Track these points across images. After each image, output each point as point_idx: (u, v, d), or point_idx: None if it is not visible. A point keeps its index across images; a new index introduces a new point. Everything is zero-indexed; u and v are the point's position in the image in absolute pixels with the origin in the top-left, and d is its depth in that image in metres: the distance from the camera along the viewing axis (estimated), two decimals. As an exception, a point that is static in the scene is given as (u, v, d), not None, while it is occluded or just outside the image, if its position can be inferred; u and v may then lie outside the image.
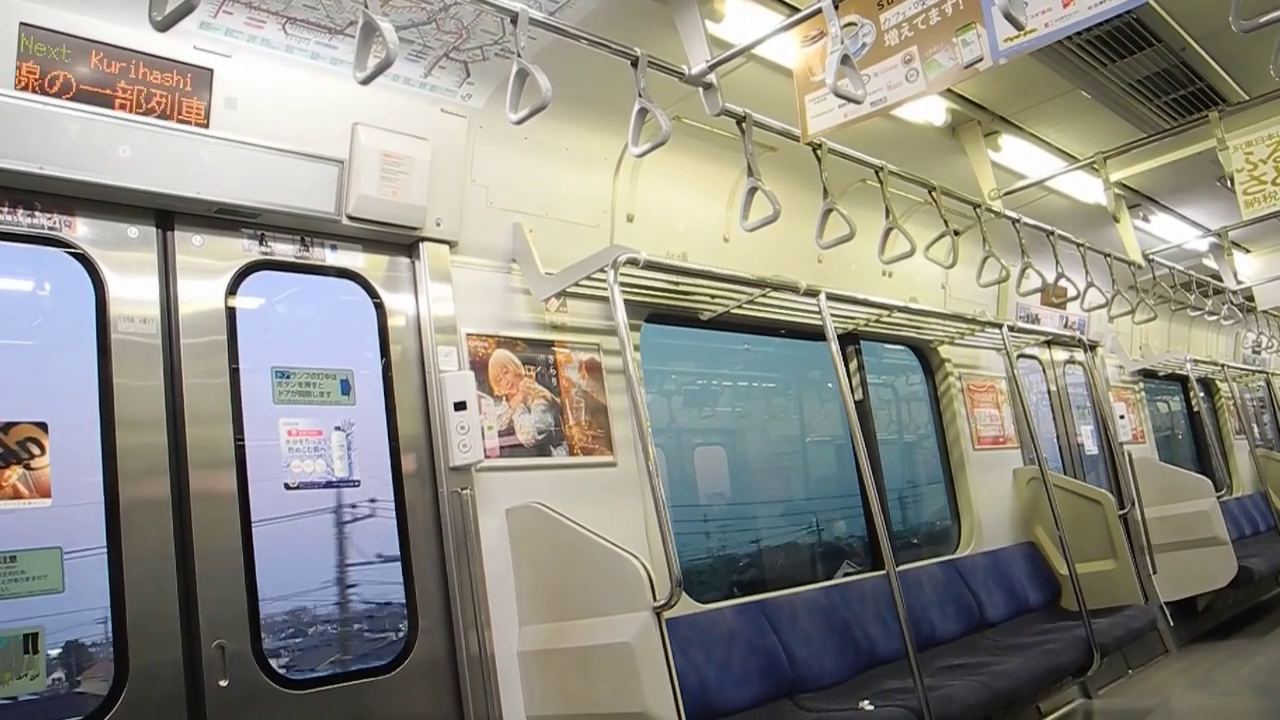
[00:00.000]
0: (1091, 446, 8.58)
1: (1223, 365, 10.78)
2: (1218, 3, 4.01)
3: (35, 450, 2.91)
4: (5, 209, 3.02)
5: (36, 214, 3.09)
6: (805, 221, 4.64)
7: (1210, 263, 9.13)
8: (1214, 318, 9.06)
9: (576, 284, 4.15)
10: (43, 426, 2.94)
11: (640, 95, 3.56)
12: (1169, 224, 7.98)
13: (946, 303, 6.88)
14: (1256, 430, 12.14)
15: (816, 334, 5.13)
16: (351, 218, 3.70)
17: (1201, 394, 10.41)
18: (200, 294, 3.41)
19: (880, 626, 5.21)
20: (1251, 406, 12.41)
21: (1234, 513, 9.49)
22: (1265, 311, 10.38)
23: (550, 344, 4.36)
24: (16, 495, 2.85)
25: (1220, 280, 9.03)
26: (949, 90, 5.02)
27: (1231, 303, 9.20)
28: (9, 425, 2.88)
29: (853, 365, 6.30)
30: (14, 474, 2.86)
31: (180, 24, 2.56)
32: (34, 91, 2.94)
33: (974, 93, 5.29)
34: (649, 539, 4.31)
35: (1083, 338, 8.23)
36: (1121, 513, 6.79)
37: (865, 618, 5.20)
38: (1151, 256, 7.83)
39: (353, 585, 3.87)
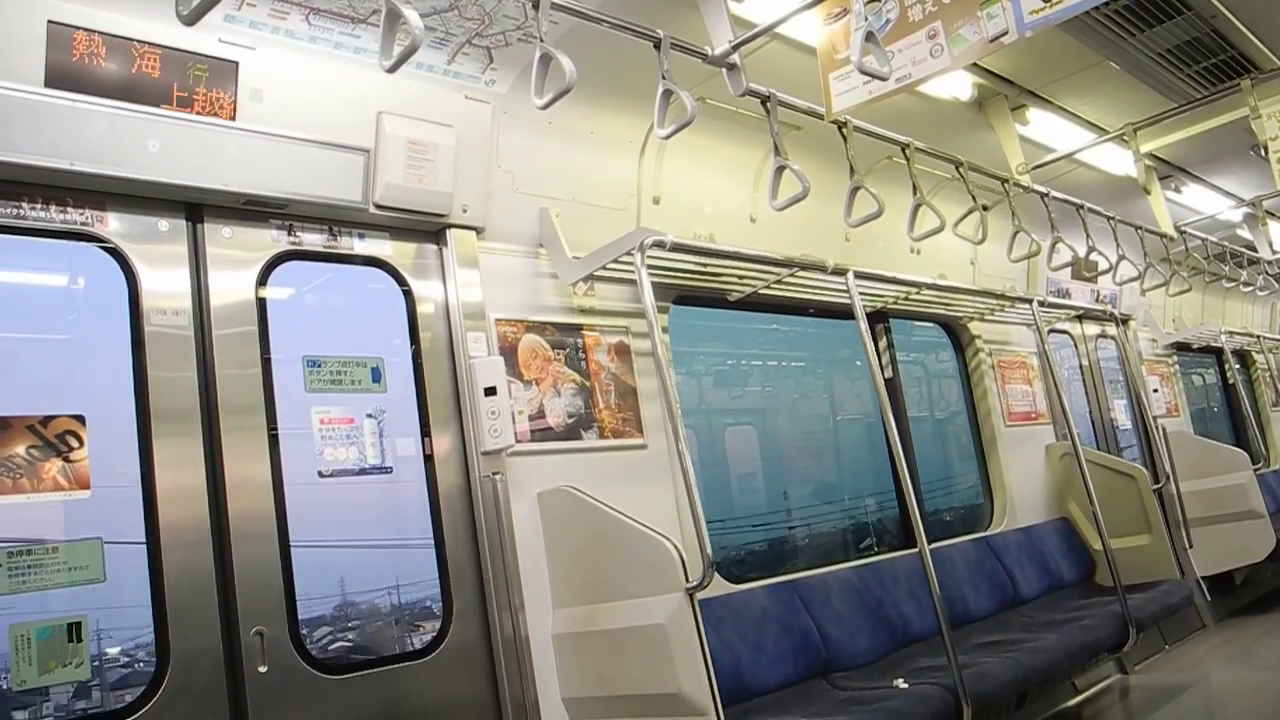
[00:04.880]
0: (1125, 421, 8.50)
1: (1259, 336, 10.64)
2: (1249, -32, 3.94)
3: (74, 443, 2.95)
4: (39, 205, 3.06)
5: (69, 210, 3.12)
6: (831, 201, 4.62)
7: (1244, 233, 8.99)
8: (1249, 289, 8.95)
9: (604, 267, 4.15)
10: (80, 419, 2.98)
11: (664, 77, 3.55)
12: (1201, 195, 7.86)
13: (976, 279, 6.83)
14: (1293, 401, 11.98)
15: (845, 313, 5.11)
16: (378, 206, 3.71)
17: (1237, 366, 10.26)
18: (231, 285, 3.44)
19: (913, 605, 5.20)
20: (1288, 377, 12.24)
21: (1271, 485, 9.36)
22: (1301, 281, 10.23)
23: (579, 328, 4.37)
24: (57, 487, 2.90)
25: (1255, 251, 8.90)
26: (974, 64, 4.96)
27: (1267, 273, 9.08)
28: (48, 419, 2.93)
29: (882, 343, 6.28)
30: (54, 466, 2.91)
31: (205, 18, 2.59)
32: (63, 89, 2.96)
33: (1000, 66, 5.22)
34: (680, 520, 4.32)
35: (1115, 311, 8.15)
36: (1156, 487, 6.75)
37: (898, 596, 5.20)
38: (1184, 228, 7.72)
39: (387, 570, 3.90)
